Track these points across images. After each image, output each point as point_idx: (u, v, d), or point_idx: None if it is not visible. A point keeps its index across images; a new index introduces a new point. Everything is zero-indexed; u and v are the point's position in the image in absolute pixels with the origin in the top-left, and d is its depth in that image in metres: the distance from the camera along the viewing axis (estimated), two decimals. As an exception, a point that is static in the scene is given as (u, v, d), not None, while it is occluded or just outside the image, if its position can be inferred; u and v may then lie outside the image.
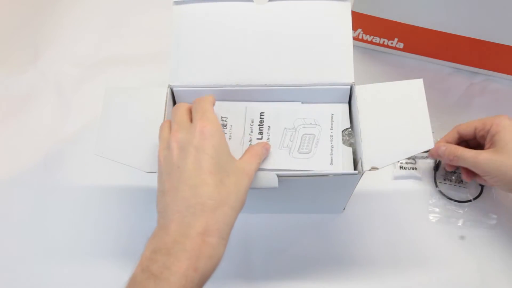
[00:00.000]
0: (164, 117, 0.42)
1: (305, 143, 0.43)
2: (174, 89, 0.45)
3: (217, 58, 0.45)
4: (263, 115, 0.45)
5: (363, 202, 0.54)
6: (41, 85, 0.65)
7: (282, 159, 0.42)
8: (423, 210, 0.54)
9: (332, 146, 0.43)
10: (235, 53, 0.45)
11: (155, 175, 0.40)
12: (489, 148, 0.47)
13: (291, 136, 0.43)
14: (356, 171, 0.41)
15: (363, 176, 0.41)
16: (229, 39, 0.45)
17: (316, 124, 0.44)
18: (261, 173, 0.40)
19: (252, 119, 0.44)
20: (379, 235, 0.53)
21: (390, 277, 0.50)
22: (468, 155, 0.47)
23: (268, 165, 0.42)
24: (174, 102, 0.46)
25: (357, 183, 0.44)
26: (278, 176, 0.40)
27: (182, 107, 0.39)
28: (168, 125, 0.39)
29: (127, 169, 0.42)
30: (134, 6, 0.71)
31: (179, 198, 0.34)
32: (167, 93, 0.44)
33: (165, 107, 0.43)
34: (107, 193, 0.56)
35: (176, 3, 0.46)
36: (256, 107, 0.45)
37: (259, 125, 0.44)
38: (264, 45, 0.45)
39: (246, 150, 0.40)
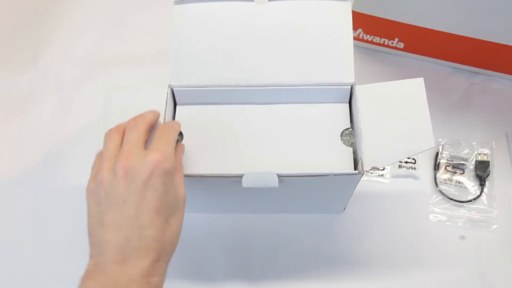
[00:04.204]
0: (164, 117, 0.42)
1: None
2: (174, 89, 0.45)
3: (217, 58, 0.45)
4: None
5: (363, 202, 0.54)
6: (41, 85, 0.65)
7: None
8: (423, 210, 0.54)
9: None
10: (235, 53, 0.45)
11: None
12: None
13: None
14: (356, 171, 0.41)
15: (363, 176, 0.41)
16: (230, 39, 0.45)
17: None
18: (261, 173, 0.40)
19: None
20: (379, 235, 0.53)
21: (390, 277, 0.50)
22: None
23: None
24: (175, 102, 0.46)
25: (358, 183, 0.44)
26: (278, 175, 0.40)
27: (143, 123, 0.37)
28: (119, 135, 0.36)
29: (127, 169, 0.41)
30: (134, 6, 0.71)
31: (123, 238, 0.32)
32: (167, 93, 0.44)
33: (165, 107, 0.43)
34: (107, 193, 0.56)
35: (176, 2, 0.46)
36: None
37: None
38: (264, 45, 0.45)
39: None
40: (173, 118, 0.46)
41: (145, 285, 0.32)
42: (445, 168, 0.55)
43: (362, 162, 0.40)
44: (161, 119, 0.42)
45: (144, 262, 0.33)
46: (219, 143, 0.44)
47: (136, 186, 0.33)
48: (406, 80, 0.43)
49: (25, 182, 0.58)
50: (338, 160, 0.43)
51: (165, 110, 0.43)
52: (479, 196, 0.54)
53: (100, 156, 0.37)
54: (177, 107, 0.46)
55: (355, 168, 0.43)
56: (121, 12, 0.71)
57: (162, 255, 0.34)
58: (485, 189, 0.54)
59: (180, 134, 0.45)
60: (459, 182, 0.55)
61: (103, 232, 0.33)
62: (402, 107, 0.42)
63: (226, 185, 0.42)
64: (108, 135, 0.37)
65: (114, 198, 0.33)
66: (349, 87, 0.44)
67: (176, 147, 0.38)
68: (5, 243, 0.54)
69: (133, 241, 0.33)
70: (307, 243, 0.53)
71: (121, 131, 0.37)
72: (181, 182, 0.37)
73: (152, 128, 0.38)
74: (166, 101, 0.43)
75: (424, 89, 0.42)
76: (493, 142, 0.57)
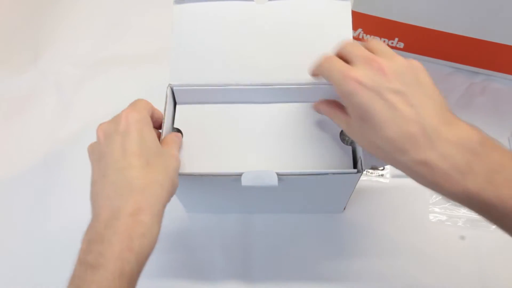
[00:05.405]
0: (164, 115, 0.42)
1: None
2: (174, 88, 0.45)
3: (217, 57, 0.45)
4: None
5: (362, 202, 0.54)
6: (41, 85, 0.65)
7: None
8: (423, 210, 0.54)
9: None
10: (235, 52, 0.45)
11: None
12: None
13: None
14: (355, 170, 0.41)
15: (363, 175, 0.41)
16: (230, 38, 0.45)
17: None
18: (260, 172, 0.40)
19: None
20: (379, 235, 0.53)
21: (390, 276, 0.50)
22: (341, 124, 0.39)
23: None
24: (175, 101, 0.46)
25: (357, 182, 0.44)
26: (278, 174, 0.40)
27: (145, 104, 0.40)
28: None
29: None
30: (134, 6, 0.71)
31: (107, 184, 0.34)
32: (167, 92, 0.44)
33: (165, 105, 0.43)
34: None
35: (176, 2, 0.46)
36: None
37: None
38: (264, 45, 0.45)
39: (162, 141, 0.40)
40: (173, 117, 0.46)
41: (132, 223, 0.32)
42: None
43: (361, 161, 0.40)
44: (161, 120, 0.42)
45: (128, 201, 0.33)
46: (219, 142, 0.44)
47: (113, 138, 0.35)
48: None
49: (25, 182, 0.58)
50: (338, 159, 0.43)
51: (165, 109, 0.43)
52: (479, 196, 0.54)
53: None
54: (177, 106, 0.46)
55: (355, 167, 0.43)
56: (121, 12, 0.71)
57: (149, 195, 0.34)
58: (485, 189, 0.54)
59: (180, 132, 0.45)
60: (459, 182, 0.55)
61: (94, 187, 0.35)
62: None
63: (226, 184, 0.42)
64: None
65: (97, 156, 0.36)
66: None
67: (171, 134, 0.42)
68: (5, 242, 0.54)
69: (116, 183, 0.34)
70: (306, 243, 0.53)
71: None
72: (172, 147, 0.39)
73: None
74: (166, 100, 0.43)
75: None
76: (493, 142, 0.57)
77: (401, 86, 0.33)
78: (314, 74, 0.40)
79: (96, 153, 0.36)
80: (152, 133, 0.37)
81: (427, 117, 0.32)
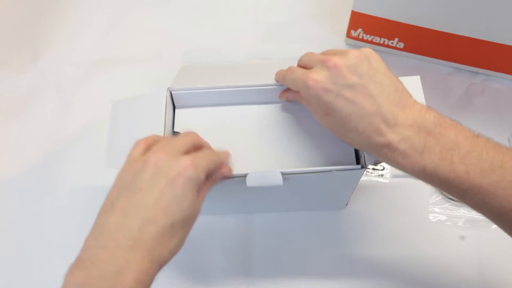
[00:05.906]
0: (165, 119, 0.43)
1: None
2: (173, 92, 0.45)
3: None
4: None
5: (362, 203, 0.54)
6: (41, 85, 0.65)
7: None
8: (423, 210, 0.54)
9: None
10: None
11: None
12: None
13: None
14: (359, 166, 0.41)
15: (363, 175, 0.41)
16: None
17: None
18: (264, 171, 0.40)
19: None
20: (379, 235, 0.53)
21: (391, 276, 0.50)
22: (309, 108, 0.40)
23: None
24: (174, 105, 0.46)
25: (360, 178, 0.44)
26: (282, 173, 0.40)
27: (195, 137, 0.39)
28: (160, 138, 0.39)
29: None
30: (134, 6, 0.71)
31: (122, 225, 0.32)
32: (166, 96, 0.44)
33: (165, 109, 0.43)
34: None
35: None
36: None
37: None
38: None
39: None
40: (173, 122, 0.46)
41: (132, 282, 0.30)
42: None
43: (364, 157, 0.40)
44: (161, 123, 0.42)
45: (136, 257, 0.31)
46: (220, 144, 0.44)
47: (158, 180, 0.33)
48: (402, 77, 0.43)
49: (25, 182, 0.58)
50: (340, 156, 0.43)
51: (165, 112, 0.43)
52: (479, 196, 0.54)
53: (138, 144, 0.37)
54: (176, 110, 0.46)
55: (357, 163, 0.43)
56: (121, 12, 0.71)
57: (157, 258, 0.32)
58: (485, 189, 0.54)
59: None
60: (459, 182, 0.55)
61: (109, 214, 0.33)
62: None
63: (230, 185, 0.42)
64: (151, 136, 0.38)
65: (133, 183, 0.34)
66: None
67: (219, 168, 0.39)
68: (4, 242, 0.54)
69: (131, 231, 0.32)
70: (307, 241, 0.53)
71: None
72: (202, 200, 0.36)
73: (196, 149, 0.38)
74: (166, 104, 0.43)
75: (420, 86, 0.42)
76: (493, 142, 0.57)
77: (357, 79, 0.35)
78: (280, 82, 0.44)
79: (135, 178, 0.34)
80: (195, 197, 0.34)
81: (385, 105, 0.35)
